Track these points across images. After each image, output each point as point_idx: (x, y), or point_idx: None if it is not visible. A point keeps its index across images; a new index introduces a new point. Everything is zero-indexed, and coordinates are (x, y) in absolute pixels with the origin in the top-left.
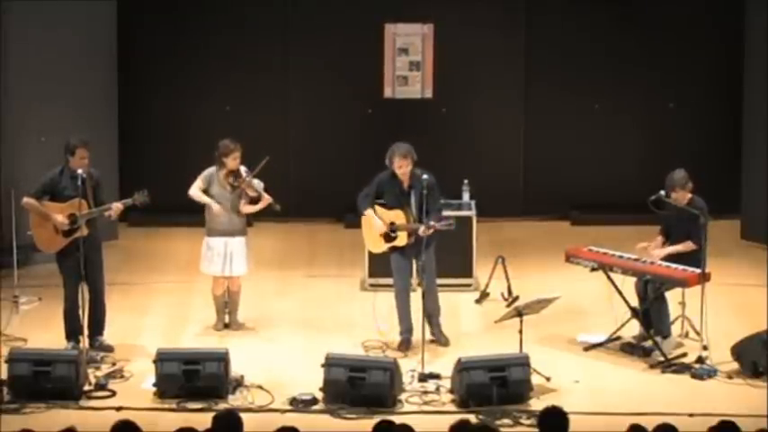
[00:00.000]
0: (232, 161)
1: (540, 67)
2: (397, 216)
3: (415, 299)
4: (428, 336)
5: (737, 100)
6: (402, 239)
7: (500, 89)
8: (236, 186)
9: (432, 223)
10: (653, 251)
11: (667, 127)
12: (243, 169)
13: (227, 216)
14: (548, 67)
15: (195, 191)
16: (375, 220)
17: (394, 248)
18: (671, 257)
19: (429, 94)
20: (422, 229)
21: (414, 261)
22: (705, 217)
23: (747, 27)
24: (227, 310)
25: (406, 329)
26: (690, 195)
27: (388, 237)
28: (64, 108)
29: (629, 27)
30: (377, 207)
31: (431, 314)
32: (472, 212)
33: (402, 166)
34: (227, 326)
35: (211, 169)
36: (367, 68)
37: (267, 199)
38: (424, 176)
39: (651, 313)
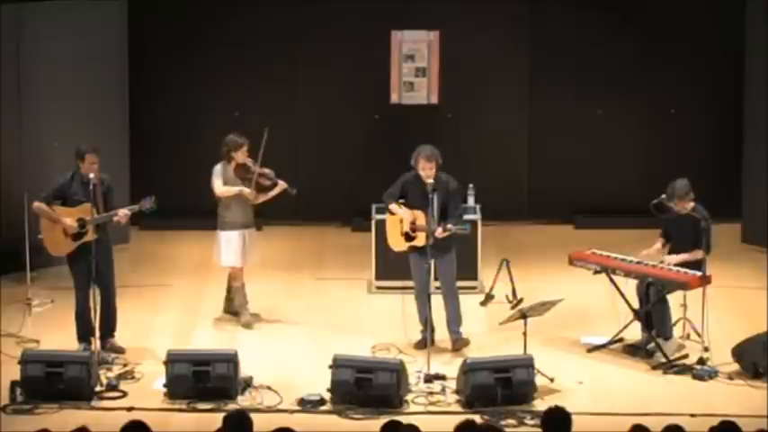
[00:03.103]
0: (242, 155)
1: (544, 74)
2: (419, 216)
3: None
4: (443, 337)
5: (738, 105)
6: (421, 240)
7: (504, 95)
8: (247, 178)
9: (448, 226)
10: (665, 257)
11: (669, 132)
12: (250, 161)
13: (242, 209)
14: (551, 74)
15: (221, 187)
16: (400, 212)
17: (414, 249)
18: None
19: (435, 99)
20: (438, 231)
21: (432, 264)
22: (707, 221)
23: (748, 33)
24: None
25: (426, 330)
26: (692, 204)
27: (408, 236)
28: (76, 114)
29: (631, 35)
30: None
31: (450, 321)
32: (477, 216)
33: (426, 169)
34: (233, 313)
35: (219, 166)
36: (374, 75)
37: (282, 184)
38: (449, 181)
39: (653, 315)
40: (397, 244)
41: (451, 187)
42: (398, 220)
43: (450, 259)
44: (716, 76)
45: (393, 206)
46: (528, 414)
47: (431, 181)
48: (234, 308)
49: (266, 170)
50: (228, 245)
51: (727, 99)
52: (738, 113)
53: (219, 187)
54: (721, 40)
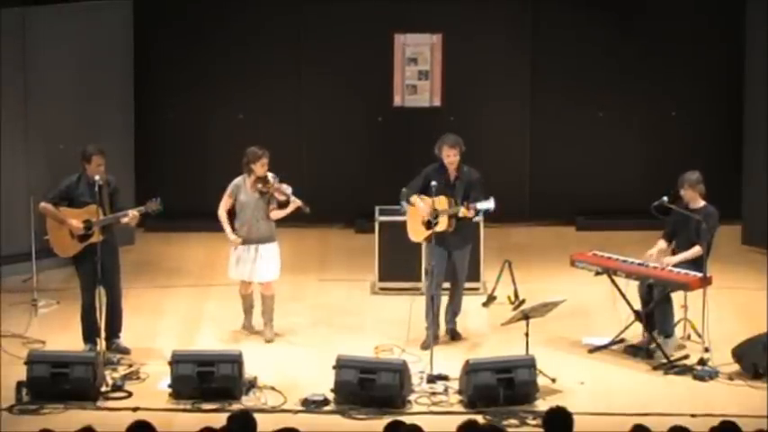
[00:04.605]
0: (260, 167)
1: (546, 77)
2: (441, 202)
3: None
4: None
5: (738, 108)
6: (443, 225)
7: (507, 98)
8: (264, 192)
9: (471, 204)
10: (664, 258)
11: (670, 134)
12: (270, 175)
13: (255, 223)
14: (553, 77)
15: (222, 212)
16: (420, 204)
17: (435, 235)
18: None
19: (437, 102)
20: (462, 210)
21: (448, 257)
22: (710, 223)
23: (748, 34)
24: (252, 317)
25: (430, 325)
26: (702, 202)
27: (429, 224)
28: (81, 116)
29: (632, 38)
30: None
31: (454, 312)
32: (480, 218)
33: (449, 156)
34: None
35: (238, 179)
36: (377, 77)
37: (296, 202)
38: (471, 172)
39: (656, 313)
40: (417, 234)
41: (474, 177)
42: (420, 205)
43: (465, 253)
44: (716, 78)
45: (414, 198)
46: (530, 414)
47: (453, 168)
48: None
49: (283, 186)
50: (236, 257)
51: (728, 100)
52: (739, 115)
53: (221, 209)
54: (721, 40)
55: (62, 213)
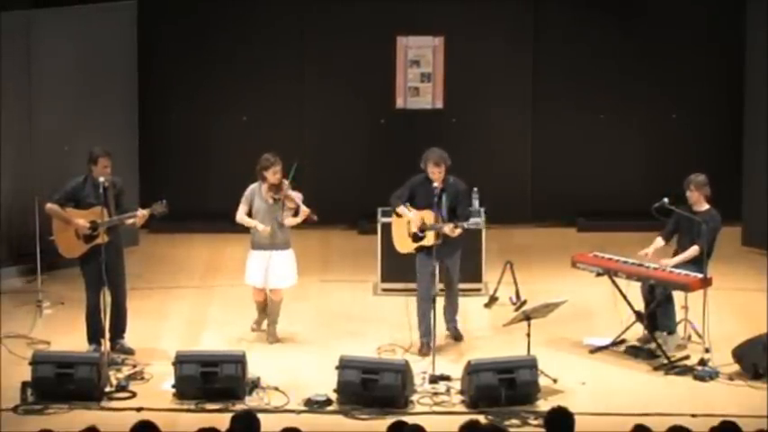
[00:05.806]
0: (272, 175)
1: (548, 79)
2: (427, 216)
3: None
4: (443, 333)
5: (738, 108)
6: (429, 239)
7: (508, 100)
8: (277, 199)
9: (459, 223)
10: (663, 260)
11: (670, 136)
12: (285, 182)
13: (270, 230)
14: (554, 79)
15: (240, 216)
16: (408, 214)
17: (421, 249)
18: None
19: (440, 104)
20: (448, 228)
21: (438, 264)
22: (711, 224)
23: (748, 40)
24: (266, 318)
25: (424, 333)
26: (707, 205)
27: (416, 237)
28: (86, 117)
29: (632, 40)
30: (408, 207)
31: (453, 313)
32: (481, 219)
33: (435, 173)
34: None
35: (253, 186)
36: (379, 80)
37: (305, 211)
38: (457, 184)
39: (658, 312)
40: (404, 245)
41: (460, 189)
42: (405, 222)
43: (456, 259)
44: (716, 78)
45: (401, 208)
46: (531, 414)
47: (435, 185)
48: (268, 329)
49: (292, 193)
50: (250, 263)
51: (728, 101)
52: (739, 115)
53: (238, 214)
54: (721, 41)
55: (68, 214)
